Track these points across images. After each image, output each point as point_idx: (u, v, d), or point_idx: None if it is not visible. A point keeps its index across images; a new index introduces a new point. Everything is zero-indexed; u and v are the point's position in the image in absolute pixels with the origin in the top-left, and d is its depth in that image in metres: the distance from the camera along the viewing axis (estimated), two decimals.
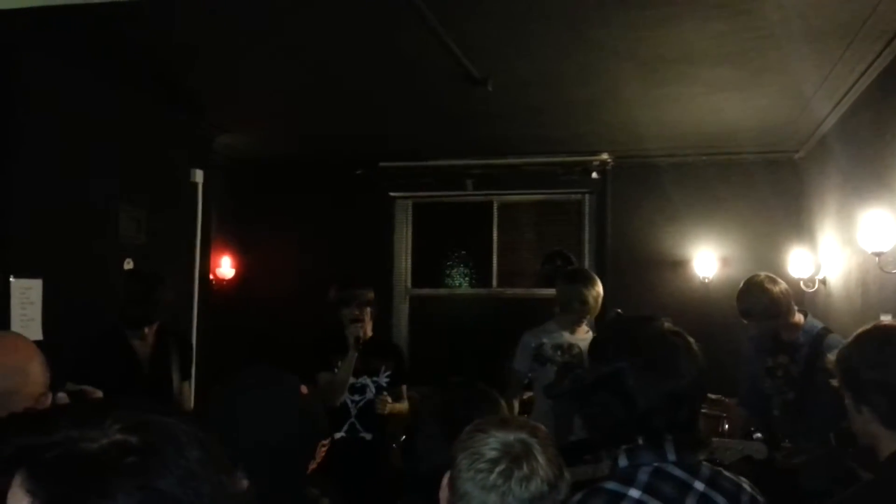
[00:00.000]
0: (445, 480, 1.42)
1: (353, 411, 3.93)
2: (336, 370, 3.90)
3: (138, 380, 3.61)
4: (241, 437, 1.58)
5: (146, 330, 3.70)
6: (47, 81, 3.94)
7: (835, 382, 1.84)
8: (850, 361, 1.79)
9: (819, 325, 3.67)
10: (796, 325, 3.63)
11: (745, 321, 3.71)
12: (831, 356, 1.87)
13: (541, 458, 1.35)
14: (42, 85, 3.90)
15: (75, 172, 4.11)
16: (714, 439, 3.33)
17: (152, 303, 3.66)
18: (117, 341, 3.66)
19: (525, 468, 1.33)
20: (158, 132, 4.87)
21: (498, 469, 1.32)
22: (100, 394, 2.28)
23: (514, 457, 1.34)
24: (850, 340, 1.85)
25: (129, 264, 4.56)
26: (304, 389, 1.73)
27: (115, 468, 0.79)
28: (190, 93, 4.78)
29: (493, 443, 1.36)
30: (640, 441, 1.60)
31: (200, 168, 5.30)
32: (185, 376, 3.90)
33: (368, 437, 3.91)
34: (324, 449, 1.74)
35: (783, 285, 3.67)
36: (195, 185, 5.27)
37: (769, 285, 3.61)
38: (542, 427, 1.46)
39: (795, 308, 3.70)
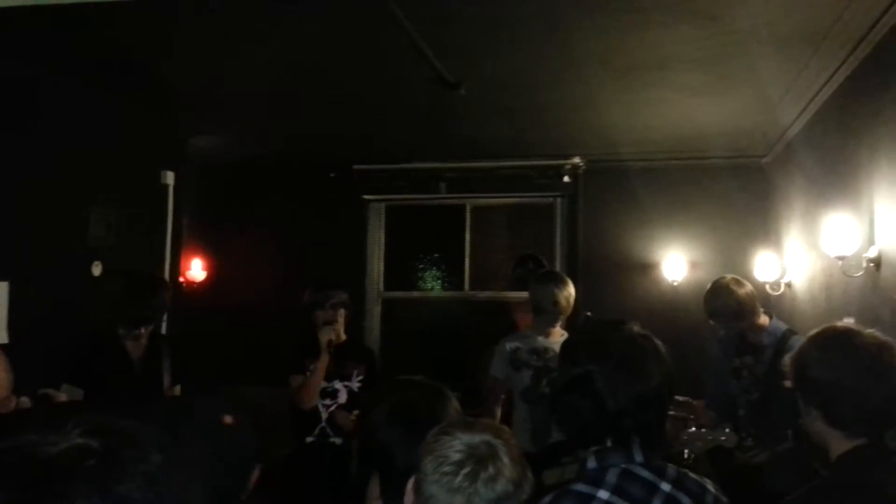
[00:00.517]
0: (410, 484, 1.42)
1: (324, 415, 3.89)
2: (308, 373, 3.88)
3: (130, 381, 3.58)
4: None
5: (142, 331, 3.66)
6: (14, 82, 3.89)
7: (788, 383, 1.87)
8: (799, 361, 1.82)
9: (784, 326, 3.76)
10: (761, 327, 3.73)
11: (713, 322, 3.80)
12: (787, 357, 1.91)
13: (505, 459, 1.36)
14: (9, 86, 3.85)
15: (43, 174, 4.06)
16: (685, 431, 3.42)
17: (152, 304, 3.65)
18: (110, 342, 3.64)
19: (490, 469, 1.34)
20: (129, 133, 4.82)
21: (464, 471, 1.33)
22: (64, 397, 2.26)
23: (480, 458, 1.35)
24: (804, 342, 1.88)
25: (97, 267, 4.52)
26: (227, 420, 1.64)
27: (75, 472, 0.79)
28: (162, 94, 4.74)
29: (458, 445, 1.37)
30: (609, 443, 1.63)
31: (172, 170, 5.26)
32: (177, 380, 3.86)
33: (339, 441, 3.88)
34: (256, 475, 1.68)
35: (749, 287, 3.80)
36: (166, 186, 5.23)
37: (735, 287, 3.74)
38: (506, 428, 1.47)
39: (761, 310, 3.81)
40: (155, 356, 3.74)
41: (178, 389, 3.92)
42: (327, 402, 3.90)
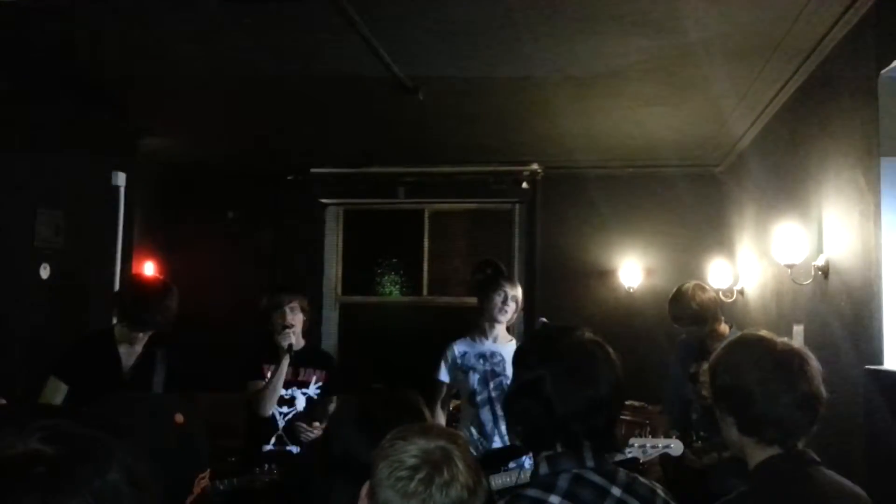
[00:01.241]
0: (365, 490, 1.42)
1: (281, 423, 3.82)
2: (267, 379, 3.81)
3: (118, 386, 3.49)
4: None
5: (140, 335, 3.58)
6: None
7: (705, 392, 1.88)
8: (714, 369, 1.82)
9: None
10: (721, 334, 3.83)
11: (676, 326, 3.90)
12: (705, 367, 1.92)
13: (460, 465, 1.37)
14: None
15: None
16: (633, 439, 3.49)
17: (162, 309, 3.56)
18: (103, 345, 3.57)
19: (445, 474, 1.34)
20: (78, 133, 4.72)
21: (419, 476, 1.34)
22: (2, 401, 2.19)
23: (435, 464, 1.35)
24: (720, 349, 1.88)
25: (45, 269, 4.41)
26: (178, 419, 1.60)
27: (21, 479, 0.77)
28: (110, 94, 4.65)
29: (413, 450, 1.37)
30: (559, 448, 1.63)
31: (123, 171, 5.15)
32: (170, 389, 3.75)
33: (295, 450, 3.82)
34: (203, 481, 1.64)
35: (712, 293, 3.98)
36: (117, 188, 5.13)
37: (698, 292, 3.91)
38: (461, 434, 1.48)
39: (722, 317, 3.92)
40: (148, 364, 3.66)
41: None
42: (284, 409, 3.82)
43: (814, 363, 1.73)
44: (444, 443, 1.39)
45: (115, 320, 3.72)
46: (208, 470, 1.66)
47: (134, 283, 3.79)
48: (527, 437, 1.73)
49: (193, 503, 1.57)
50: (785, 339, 1.79)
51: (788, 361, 1.71)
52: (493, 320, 4.01)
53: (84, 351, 3.59)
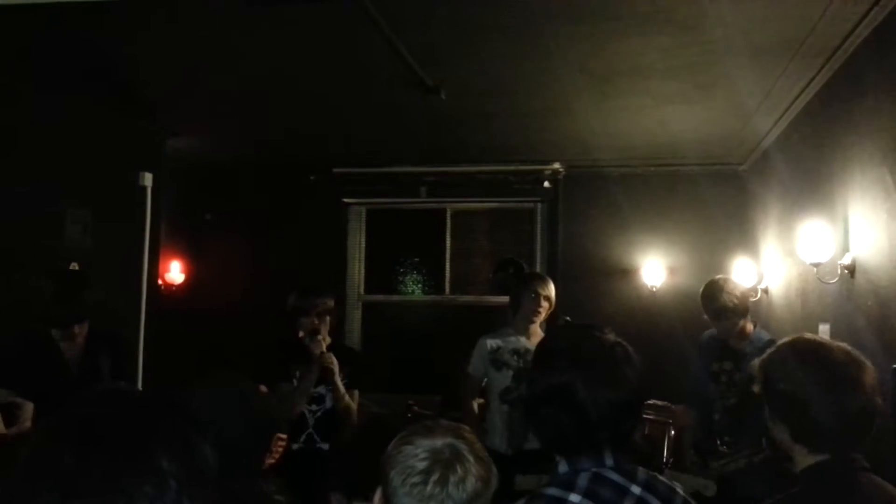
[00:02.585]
0: (377, 497, 1.42)
1: (311, 421, 3.83)
2: (295, 380, 3.82)
3: (66, 382, 3.50)
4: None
5: (75, 330, 3.56)
6: None
7: (756, 388, 1.86)
8: (767, 371, 1.80)
9: (766, 336, 3.77)
10: (746, 334, 3.75)
11: (716, 322, 3.78)
12: (756, 361, 1.89)
13: (471, 458, 1.37)
14: None
15: (18, 176, 4.02)
16: (665, 471, 3.41)
17: (77, 302, 3.55)
18: (42, 343, 3.52)
19: (459, 471, 1.35)
20: (106, 135, 4.78)
21: (433, 479, 1.33)
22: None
23: (446, 463, 1.35)
24: (773, 350, 1.85)
25: (75, 268, 4.47)
26: (263, 389, 1.77)
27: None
28: (139, 95, 4.71)
29: (421, 453, 1.36)
30: (583, 452, 1.63)
31: (150, 171, 5.22)
32: (119, 376, 3.76)
33: (326, 447, 3.83)
34: (281, 444, 1.76)
35: (742, 286, 3.88)
36: (144, 188, 5.19)
37: (732, 285, 3.79)
38: (465, 427, 1.46)
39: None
40: (92, 356, 3.66)
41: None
42: (314, 407, 3.85)
43: (870, 370, 1.70)
44: (450, 439, 1.39)
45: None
46: (280, 433, 1.82)
47: (48, 282, 3.64)
48: (554, 441, 1.70)
49: (273, 464, 1.72)
50: (842, 345, 1.75)
51: (846, 371, 1.67)
52: (528, 320, 4.03)
53: (21, 355, 3.48)
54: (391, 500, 1.36)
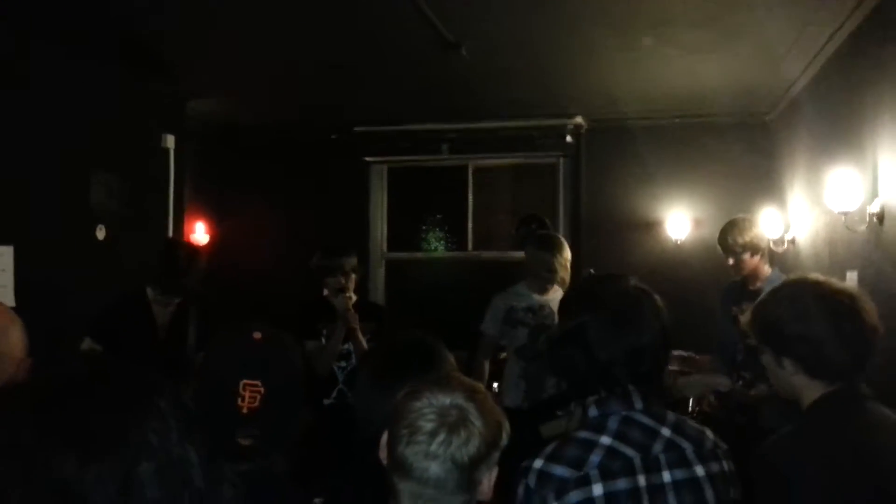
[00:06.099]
0: (384, 440, 1.43)
1: (341, 377, 3.90)
2: (323, 339, 3.88)
3: (153, 345, 3.61)
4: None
5: (173, 300, 3.70)
6: (11, 51, 3.87)
7: (751, 341, 1.88)
8: (769, 318, 1.83)
9: (783, 277, 3.77)
10: (764, 275, 3.80)
11: (732, 257, 3.86)
12: (744, 317, 1.92)
13: (477, 422, 1.36)
14: (7, 55, 3.83)
15: (44, 140, 4.05)
16: (680, 378, 3.51)
17: (192, 274, 3.67)
18: (137, 305, 3.67)
19: (463, 434, 1.35)
20: (129, 97, 4.80)
21: (437, 440, 1.34)
22: None
23: (451, 426, 1.35)
24: (765, 298, 1.89)
25: (101, 231, 4.53)
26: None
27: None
28: (161, 57, 4.71)
29: (428, 413, 1.36)
30: (603, 393, 1.65)
31: (172, 133, 5.24)
32: (202, 346, 3.86)
33: None
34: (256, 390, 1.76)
35: (760, 228, 3.97)
36: (167, 150, 5.22)
37: (747, 223, 3.89)
38: (480, 386, 1.46)
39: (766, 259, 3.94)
40: (182, 321, 3.76)
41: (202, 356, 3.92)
42: (342, 363, 3.91)
43: (865, 296, 1.78)
44: (460, 400, 1.38)
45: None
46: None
47: (164, 251, 3.85)
48: (571, 383, 1.76)
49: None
50: (834, 280, 1.83)
51: (851, 303, 1.74)
52: (543, 279, 4.03)
53: (118, 311, 3.66)
54: (394, 452, 1.38)
